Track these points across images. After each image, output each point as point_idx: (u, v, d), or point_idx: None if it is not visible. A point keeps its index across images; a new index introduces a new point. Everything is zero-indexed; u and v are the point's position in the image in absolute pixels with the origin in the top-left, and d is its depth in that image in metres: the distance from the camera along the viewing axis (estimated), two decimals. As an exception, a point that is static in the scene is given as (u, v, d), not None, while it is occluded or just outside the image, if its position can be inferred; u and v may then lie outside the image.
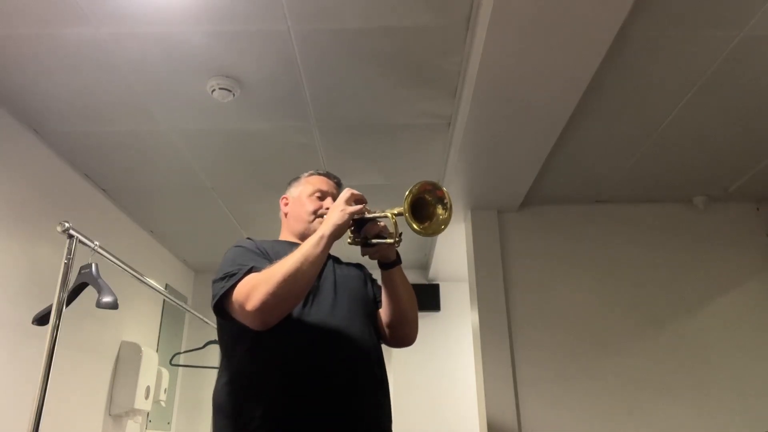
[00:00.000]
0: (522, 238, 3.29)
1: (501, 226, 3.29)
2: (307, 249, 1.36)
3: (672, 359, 3.01)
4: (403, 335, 1.62)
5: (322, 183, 1.71)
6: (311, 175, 1.75)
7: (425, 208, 1.42)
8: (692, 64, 2.21)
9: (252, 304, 1.33)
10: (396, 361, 4.50)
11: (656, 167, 2.98)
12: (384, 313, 1.61)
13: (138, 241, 3.76)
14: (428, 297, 4.61)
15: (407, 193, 1.38)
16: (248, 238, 1.59)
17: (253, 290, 1.34)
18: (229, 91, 2.36)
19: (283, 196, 1.77)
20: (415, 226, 1.36)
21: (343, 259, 1.73)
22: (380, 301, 1.64)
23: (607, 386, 2.96)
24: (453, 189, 3.05)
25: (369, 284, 1.70)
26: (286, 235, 1.71)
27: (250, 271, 1.40)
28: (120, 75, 2.30)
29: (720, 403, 2.92)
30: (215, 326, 4.18)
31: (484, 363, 2.98)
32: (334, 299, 1.52)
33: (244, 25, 2.04)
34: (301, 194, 1.70)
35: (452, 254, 3.97)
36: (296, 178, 1.78)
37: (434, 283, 4.68)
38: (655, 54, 2.16)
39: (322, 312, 1.47)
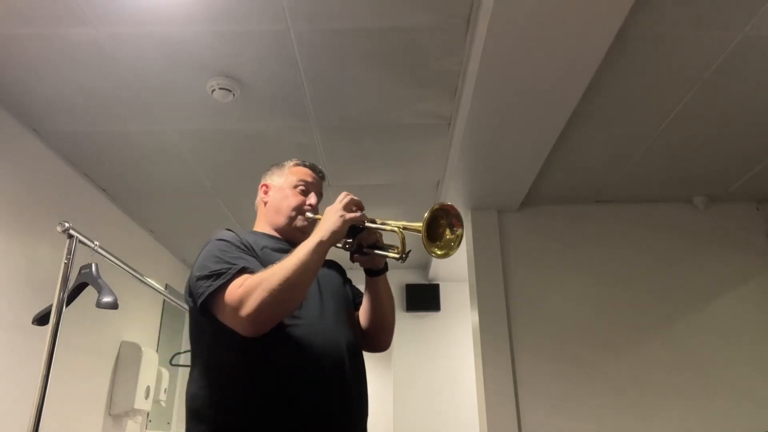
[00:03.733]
0: (522, 238, 3.29)
1: (501, 226, 3.29)
2: (304, 255, 1.28)
3: (672, 359, 3.01)
4: (381, 341, 1.57)
5: (307, 176, 1.61)
6: (296, 165, 1.63)
7: (436, 228, 1.35)
8: (692, 64, 2.21)
9: (246, 310, 1.23)
10: (396, 361, 4.50)
11: (656, 167, 2.98)
12: (363, 317, 1.55)
13: (138, 241, 3.76)
14: (428, 297, 4.61)
15: (427, 213, 1.30)
16: (228, 230, 1.47)
17: (248, 295, 1.24)
18: (229, 91, 2.36)
19: (263, 182, 1.65)
20: (437, 251, 1.32)
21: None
22: (359, 303, 1.58)
23: (608, 386, 2.96)
24: (453, 189, 3.05)
25: (347, 284, 1.63)
26: (262, 226, 1.61)
27: (241, 271, 1.30)
28: (120, 75, 2.30)
29: (720, 403, 2.92)
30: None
31: (484, 363, 2.98)
32: (321, 302, 1.44)
33: (244, 25, 2.04)
34: (284, 185, 1.59)
35: (452, 254, 3.96)
36: (279, 165, 1.65)
37: (434, 283, 4.68)
38: (655, 54, 2.16)
39: (311, 315, 1.39)
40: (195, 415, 1.33)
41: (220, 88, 2.34)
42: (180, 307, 3.69)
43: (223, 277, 1.29)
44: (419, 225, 1.29)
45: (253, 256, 1.39)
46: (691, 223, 3.30)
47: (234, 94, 2.39)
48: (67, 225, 2.02)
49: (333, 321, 1.42)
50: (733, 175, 3.08)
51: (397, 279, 4.62)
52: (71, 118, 2.58)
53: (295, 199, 1.56)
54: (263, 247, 1.45)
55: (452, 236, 1.34)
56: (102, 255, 2.20)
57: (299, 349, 1.33)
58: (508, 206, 3.29)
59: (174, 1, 1.94)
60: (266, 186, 1.64)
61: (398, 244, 1.37)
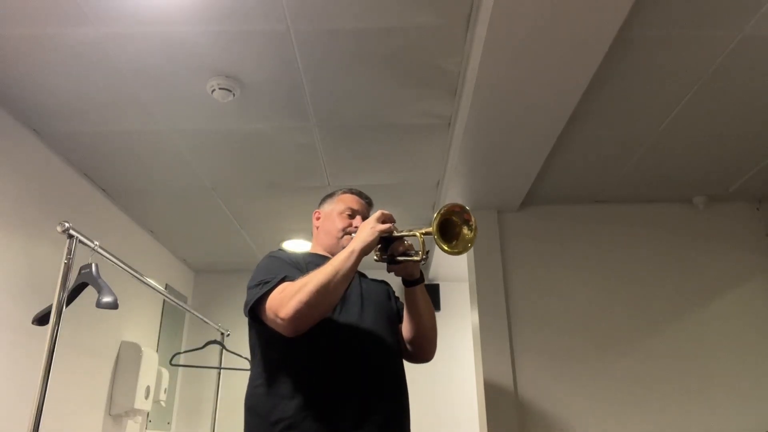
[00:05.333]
0: (522, 238, 3.28)
1: (501, 226, 3.29)
2: (338, 262, 1.43)
3: (672, 359, 3.01)
4: (423, 351, 1.73)
5: (354, 202, 1.81)
6: (344, 193, 1.84)
7: (452, 228, 1.49)
8: (692, 64, 2.21)
9: (285, 312, 1.39)
10: (396, 361, 4.49)
11: (656, 167, 2.98)
12: (405, 328, 1.70)
13: (138, 241, 3.76)
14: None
15: (435, 214, 1.45)
16: (280, 249, 1.68)
17: (286, 299, 1.41)
18: (229, 91, 2.36)
19: (316, 210, 1.87)
20: (445, 247, 1.44)
21: (369, 275, 1.84)
22: (402, 316, 1.73)
23: (608, 386, 2.96)
24: (453, 189, 3.05)
25: (392, 299, 1.80)
26: (316, 249, 1.81)
27: (283, 279, 1.48)
28: (120, 75, 2.30)
29: (719, 402, 2.92)
30: (215, 326, 4.17)
31: (484, 363, 2.98)
32: (361, 309, 1.61)
33: (244, 25, 2.05)
34: (332, 211, 1.80)
35: (452, 254, 3.96)
36: (330, 195, 1.87)
37: (434, 283, 4.68)
38: (655, 54, 2.16)
39: (350, 319, 1.56)
40: (251, 410, 1.51)
41: (220, 88, 2.34)
42: (180, 307, 3.69)
43: (268, 285, 1.48)
44: (431, 229, 1.45)
45: (299, 270, 1.56)
46: (691, 223, 3.30)
47: (234, 94, 2.39)
48: (67, 225, 2.02)
49: (371, 326, 1.59)
50: (733, 175, 3.08)
51: (397, 279, 4.59)
52: (72, 118, 2.58)
53: (341, 223, 1.76)
54: (309, 263, 1.62)
55: (470, 234, 1.48)
56: (102, 255, 2.21)
57: (337, 349, 1.50)
58: (508, 206, 3.29)
59: (174, 1, 1.94)
60: (318, 213, 1.86)
61: (420, 247, 1.54)
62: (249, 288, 1.54)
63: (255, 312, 1.50)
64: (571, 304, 3.13)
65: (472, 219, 1.49)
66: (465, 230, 1.48)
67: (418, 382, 4.38)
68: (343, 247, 1.64)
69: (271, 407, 1.46)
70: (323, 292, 1.39)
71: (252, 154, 2.92)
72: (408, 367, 1.73)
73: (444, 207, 1.48)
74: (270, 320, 1.46)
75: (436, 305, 4.59)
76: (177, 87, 2.38)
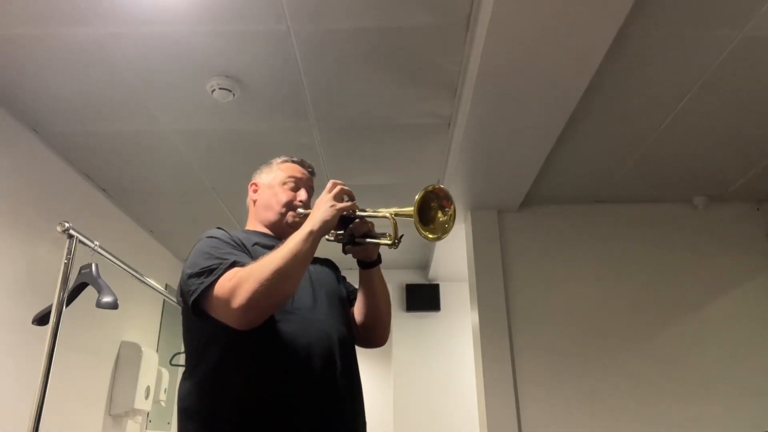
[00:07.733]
0: (522, 238, 3.29)
1: (501, 226, 3.30)
2: (295, 245, 1.26)
3: (672, 359, 3.01)
4: (376, 336, 1.54)
5: (296, 171, 1.60)
6: (284, 161, 1.63)
7: (427, 211, 1.33)
8: (692, 64, 2.21)
9: (238, 302, 1.21)
10: (396, 360, 4.50)
11: (656, 167, 2.98)
12: (358, 312, 1.53)
13: (138, 241, 3.76)
14: (428, 297, 4.61)
15: (417, 196, 1.28)
16: (219, 228, 1.46)
17: (239, 287, 1.22)
18: (229, 91, 2.36)
19: (252, 182, 1.65)
20: (428, 234, 1.30)
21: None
22: (354, 299, 1.56)
23: (607, 386, 2.96)
24: (453, 189, 3.05)
25: (341, 282, 1.61)
26: (254, 225, 1.59)
27: (233, 265, 1.28)
28: (120, 75, 2.30)
29: (720, 402, 2.92)
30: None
31: (484, 363, 2.98)
32: (313, 296, 1.42)
33: (244, 25, 2.05)
34: (272, 182, 1.59)
35: (452, 254, 3.97)
36: (267, 164, 1.65)
37: (434, 283, 4.68)
38: (655, 54, 2.16)
39: (303, 309, 1.37)
40: (185, 413, 1.32)
41: (220, 88, 2.34)
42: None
43: (215, 273, 1.27)
44: (410, 209, 1.27)
45: (244, 252, 1.38)
46: (691, 223, 3.30)
47: (234, 94, 2.39)
48: (67, 225, 2.02)
49: (325, 315, 1.40)
50: (733, 175, 3.08)
51: (397, 279, 4.62)
52: (71, 118, 2.58)
53: (284, 195, 1.55)
54: (254, 244, 1.43)
55: (445, 218, 1.32)
56: (102, 255, 2.20)
57: (289, 344, 1.31)
58: (508, 206, 3.29)
59: (174, 1, 1.94)
60: (255, 184, 1.63)
61: (390, 231, 1.34)
62: (190, 276, 1.30)
63: (199, 304, 1.28)
64: (571, 304, 3.13)
65: (452, 207, 1.33)
66: (440, 215, 1.32)
67: (418, 381, 4.40)
68: (288, 224, 1.51)
69: (211, 412, 1.27)
70: (280, 278, 1.22)
71: (252, 154, 2.92)
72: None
73: (430, 186, 1.30)
74: (219, 312, 1.26)
75: (436, 305, 4.60)
76: (177, 87, 2.38)
